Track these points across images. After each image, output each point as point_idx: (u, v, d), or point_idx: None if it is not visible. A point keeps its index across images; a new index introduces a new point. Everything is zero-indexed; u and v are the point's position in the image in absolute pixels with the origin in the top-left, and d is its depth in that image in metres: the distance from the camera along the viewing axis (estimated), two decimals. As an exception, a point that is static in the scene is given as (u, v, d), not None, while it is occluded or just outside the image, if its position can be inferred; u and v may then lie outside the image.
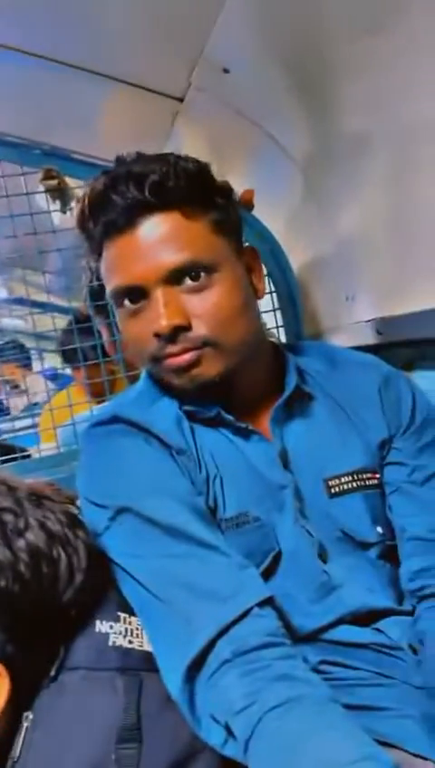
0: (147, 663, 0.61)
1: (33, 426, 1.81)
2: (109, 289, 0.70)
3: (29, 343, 2.89)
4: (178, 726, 0.57)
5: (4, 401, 2.43)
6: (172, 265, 0.65)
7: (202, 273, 0.66)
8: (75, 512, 0.66)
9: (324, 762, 0.47)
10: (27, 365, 3.28)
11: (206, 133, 1.31)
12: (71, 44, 1.09)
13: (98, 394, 1.41)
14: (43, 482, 0.67)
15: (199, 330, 0.66)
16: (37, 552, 0.58)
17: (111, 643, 0.62)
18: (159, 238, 0.66)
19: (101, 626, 0.63)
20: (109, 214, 0.66)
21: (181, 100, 1.22)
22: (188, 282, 0.67)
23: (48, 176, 1.19)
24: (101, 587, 0.65)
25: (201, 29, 0.96)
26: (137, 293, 0.67)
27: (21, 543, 0.58)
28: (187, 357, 0.67)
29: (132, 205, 0.65)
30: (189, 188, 0.66)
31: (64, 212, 1.22)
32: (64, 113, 1.32)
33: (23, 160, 1.20)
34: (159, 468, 0.70)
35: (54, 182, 1.19)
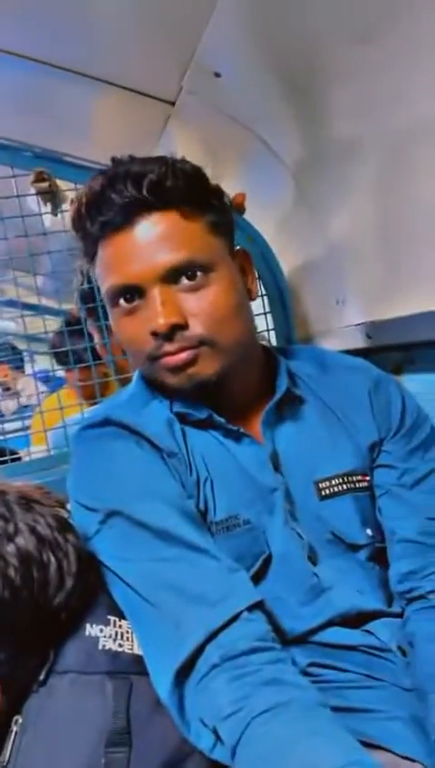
0: (137, 666, 0.61)
1: (25, 428, 1.81)
2: (104, 288, 0.70)
3: (21, 345, 2.88)
4: (167, 730, 0.57)
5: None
6: (169, 264, 0.65)
7: (199, 273, 0.67)
8: (65, 515, 0.66)
9: (310, 767, 0.47)
10: (20, 367, 3.27)
11: (198, 137, 1.32)
12: (63, 47, 1.09)
13: (89, 396, 1.40)
14: (33, 485, 0.67)
15: (196, 329, 0.66)
16: (27, 557, 0.58)
17: (100, 647, 0.62)
18: (156, 237, 0.66)
19: (91, 629, 0.63)
20: (106, 213, 0.66)
21: (173, 103, 1.22)
22: (185, 281, 0.67)
23: (39, 178, 1.19)
24: (91, 590, 0.65)
25: (192, 33, 0.96)
26: (133, 292, 0.67)
27: (11, 548, 0.57)
28: (183, 356, 0.67)
29: (130, 203, 0.65)
30: (187, 189, 0.66)
31: (55, 214, 1.22)
32: (56, 116, 1.32)
33: (14, 163, 1.19)
34: (149, 471, 0.69)
35: (45, 185, 1.19)
